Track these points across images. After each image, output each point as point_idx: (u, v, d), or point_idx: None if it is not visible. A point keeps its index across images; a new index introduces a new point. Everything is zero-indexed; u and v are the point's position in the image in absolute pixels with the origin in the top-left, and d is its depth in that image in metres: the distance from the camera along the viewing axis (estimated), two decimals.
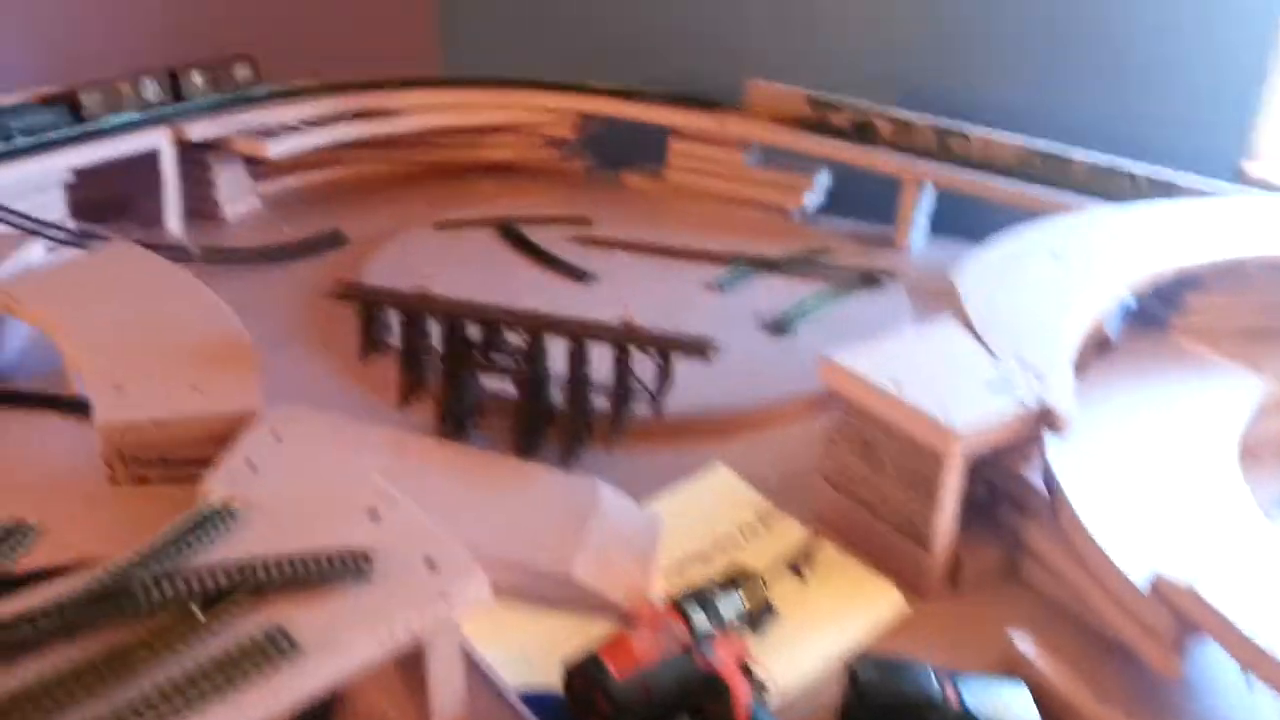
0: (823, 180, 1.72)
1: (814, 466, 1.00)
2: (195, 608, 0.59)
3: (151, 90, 1.46)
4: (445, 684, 0.68)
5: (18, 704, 0.56)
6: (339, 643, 0.60)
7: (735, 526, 0.96)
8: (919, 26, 1.76)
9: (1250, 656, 0.71)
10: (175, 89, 1.52)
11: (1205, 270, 1.14)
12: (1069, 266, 1.11)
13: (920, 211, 1.63)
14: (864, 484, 0.94)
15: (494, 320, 1.03)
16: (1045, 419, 0.86)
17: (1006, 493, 0.94)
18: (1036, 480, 0.92)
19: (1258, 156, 1.50)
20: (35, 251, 1.24)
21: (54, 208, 1.45)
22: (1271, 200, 1.30)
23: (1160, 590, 0.77)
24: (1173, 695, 0.81)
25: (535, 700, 0.74)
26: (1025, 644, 0.80)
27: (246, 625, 0.60)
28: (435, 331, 1.05)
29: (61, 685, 0.56)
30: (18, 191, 1.39)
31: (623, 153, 1.91)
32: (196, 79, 1.49)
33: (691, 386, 1.10)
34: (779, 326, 1.33)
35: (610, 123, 1.90)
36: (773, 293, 1.43)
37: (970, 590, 0.91)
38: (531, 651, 0.80)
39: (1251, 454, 0.99)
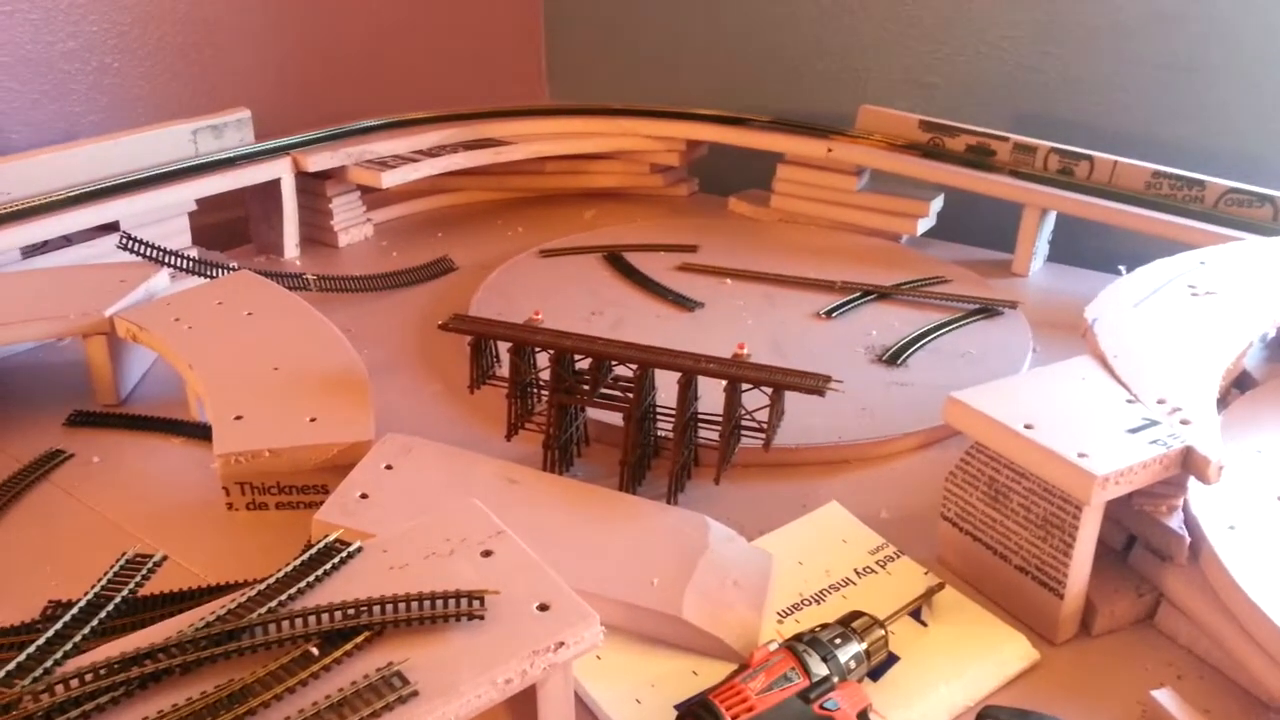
0: (937, 205, 1.67)
1: (932, 505, 0.96)
2: (313, 647, 0.59)
3: None
4: None
5: None
6: (453, 685, 0.59)
7: (850, 568, 0.92)
8: (1038, 51, 1.71)
9: None
10: None
11: None
12: (1210, 301, 1.05)
13: (1041, 239, 1.58)
14: (990, 526, 0.89)
15: (602, 354, 1.02)
16: (1190, 465, 0.81)
17: (1143, 537, 0.89)
18: (1175, 524, 0.87)
19: None
20: (160, 280, 1.27)
21: (178, 236, 1.51)
22: None
23: None
24: None
25: None
26: (1169, 700, 0.75)
27: (362, 665, 0.60)
28: (544, 363, 1.05)
29: None
30: (145, 220, 1.44)
31: (729, 179, 1.90)
32: None
33: (800, 418, 1.07)
34: (892, 357, 1.29)
35: (717, 149, 1.89)
36: (885, 321, 1.39)
37: (1103, 638, 0.86)
38: (642, 693, 0.78)
39: None
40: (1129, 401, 0.88)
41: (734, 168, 1.89)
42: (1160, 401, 0.88)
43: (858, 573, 0.92)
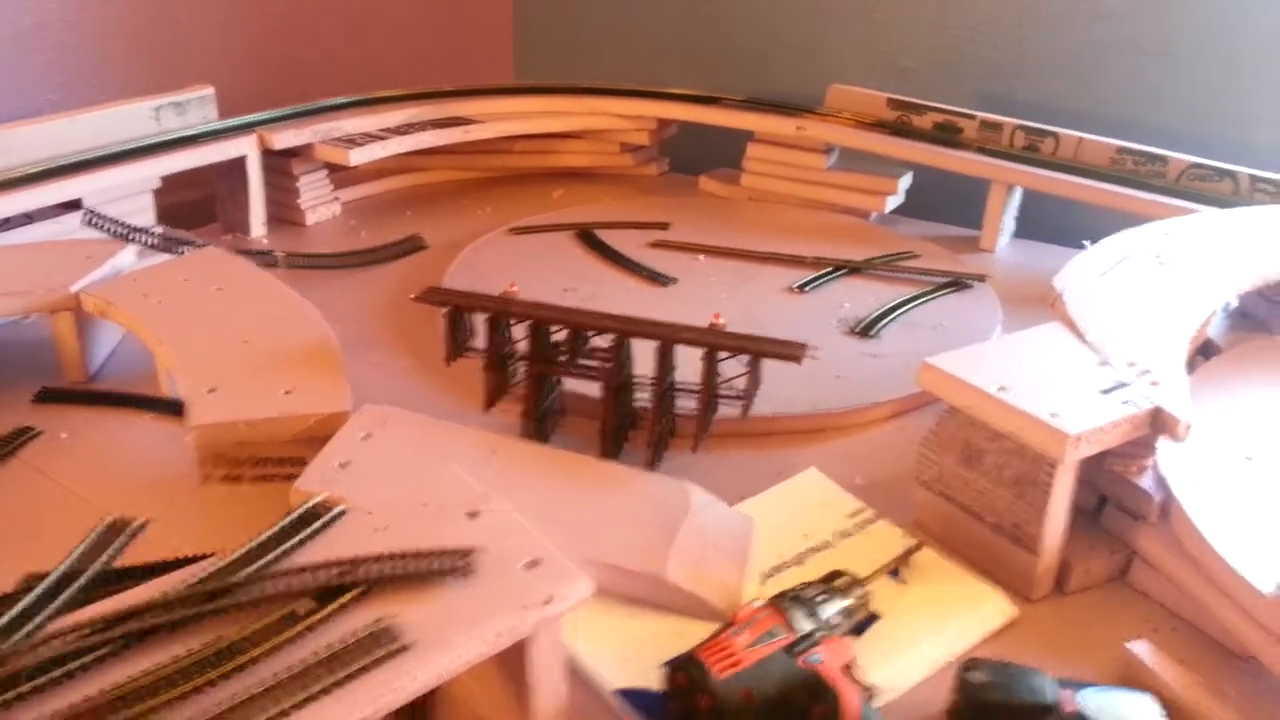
0: (906, 182, 1.68)
1: (907, 471, 0.98)
2: (301, 604, 0.59)
3: None
4: (545, 682, 0.67)
5: (124, 698, 0.56)
6: (443, 641, 0.59)
7: (829, 531, 0.93)
8: (1008, 34, 1.72)
9: None
10: None
11: None
12: (1175, 270, 1.07)
13: (1008, 215, 1.60)
14: (965, 488, 0.91)
15: (580, 324, 1.02)
16: (1160, 424, 0.83)
17: (1114, 497, 0.90)
18: (1146, 483, 0.88)
19: None
20: (126, 256, 1.26)
21: (142, 214, 1.48)
22: None
23: None
24: None
25: (634, 699, 0.72)
26: (1146, 652, 0.77)
27: (352, 622, 0.60)
28: (520, 334, 1.05)
29: (167, 680, 0.56)
30: (108, 197, 1.42)
31: (700, 158, 1.90)
32: None
33: (776, 388, 1.08)
34: (865, 329, 1.30)
35: (687, 128, 1.89)
36: (856, 295, 1.40)
37: (1077, 595, 0.88)
38: (629, 651, 0.78)
39: None
40: (1100, 364, 0.90)
41: (704, 147, 1.89)
42: (1130, 364, 0.89)
43: (837, 535, 0.93)
